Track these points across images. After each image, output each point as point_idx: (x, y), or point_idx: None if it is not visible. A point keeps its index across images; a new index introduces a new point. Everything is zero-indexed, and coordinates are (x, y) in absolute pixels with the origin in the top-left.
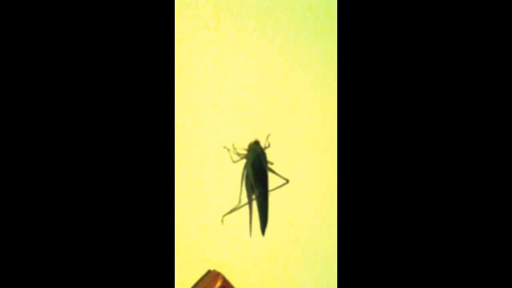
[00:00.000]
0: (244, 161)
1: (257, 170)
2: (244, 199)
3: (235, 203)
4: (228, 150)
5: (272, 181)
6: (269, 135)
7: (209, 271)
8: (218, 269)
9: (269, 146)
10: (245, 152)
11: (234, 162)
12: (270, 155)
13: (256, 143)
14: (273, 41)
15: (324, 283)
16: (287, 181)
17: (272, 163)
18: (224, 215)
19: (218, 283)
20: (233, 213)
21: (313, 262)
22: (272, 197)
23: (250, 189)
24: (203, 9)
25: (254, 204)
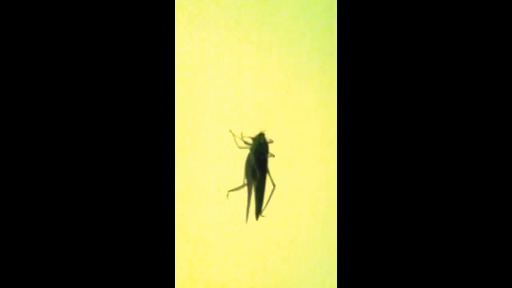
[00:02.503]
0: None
1: (258, 158)
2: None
3: (235, 216)
4: (234, 135)
5: (272, 170)
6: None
7: None
8: None
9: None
10: (250, 142)
11: (240, 148)
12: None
13: (261, 135)
14: (273, 43)
15: None
16: (274, 186)
17: (273, 155)
18: (229, 191)
19: None
20: (234, 233)
21: (313, 271)
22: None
23: (250, 175)
24: (203, 9)
25: (252, 191)
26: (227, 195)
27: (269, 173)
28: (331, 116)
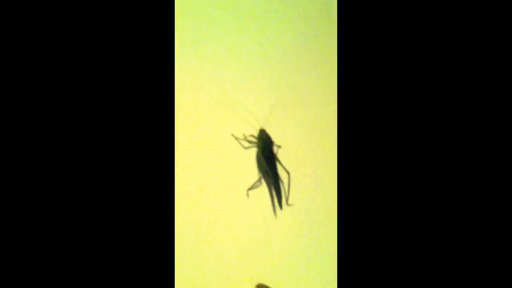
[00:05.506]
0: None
1: (266, 154)
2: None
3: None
4: (237, 138)
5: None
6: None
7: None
8: None
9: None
10: (255, 140)
11: (246, 148)
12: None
13: (262, 131)
14: (273, 40)
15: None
16: (289, 173)
17: (279, 146)
18: (248, 189)
19: None
20: (235, 232)
21: (314, 268)
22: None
23: (264, 172)
24: (204, 7)
25: (270, 184)
26: (247, 194)
27: (280, 163)
28: (331, 113)
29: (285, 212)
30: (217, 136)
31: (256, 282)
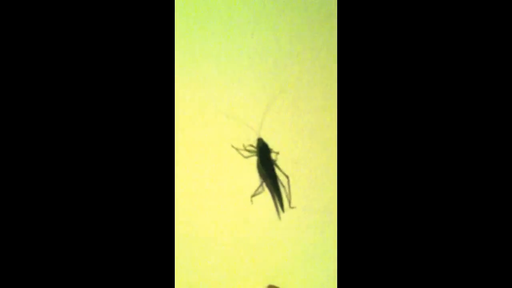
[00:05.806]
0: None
1: (264, 161)
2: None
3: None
4: (237, 149)
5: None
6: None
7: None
8: None
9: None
10: (254, 149)
11: (246, 157)
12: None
13: (259, 140)
14: (273, 41)
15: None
16: (288, 177)
17: (278, 153)
18: (252, 196)
19: None
20: (235, 234)
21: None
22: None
23: (264, 178)
24: (203, 8)
25: (272, 190)
26: (251, 200)
27: (279, 168)
28: (331, 113)
29: (290, 215)
30: (220, 143)
31: (265, 284)
